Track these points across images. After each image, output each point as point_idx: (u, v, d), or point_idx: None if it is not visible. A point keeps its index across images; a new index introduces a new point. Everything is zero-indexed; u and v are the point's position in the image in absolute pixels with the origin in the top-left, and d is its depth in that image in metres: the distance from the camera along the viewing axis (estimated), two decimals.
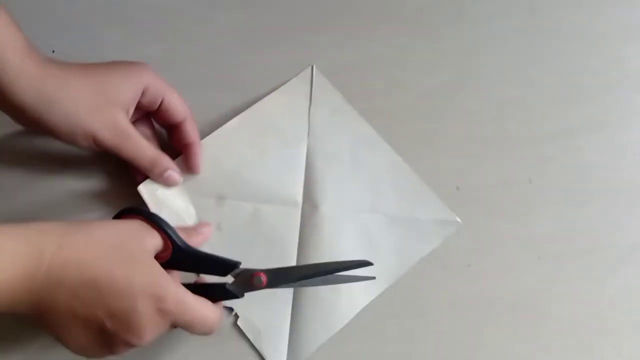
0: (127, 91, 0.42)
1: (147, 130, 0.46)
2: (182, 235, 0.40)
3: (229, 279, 0.40)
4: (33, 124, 0.40)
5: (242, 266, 0.40)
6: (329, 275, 0.40)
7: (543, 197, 0.49)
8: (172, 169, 0.44)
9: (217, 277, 0.40)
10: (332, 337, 0.45)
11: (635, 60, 0.53)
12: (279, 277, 0.40)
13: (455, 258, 0.47)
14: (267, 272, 0.40)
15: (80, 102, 0.40)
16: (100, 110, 0.40)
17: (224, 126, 0.47)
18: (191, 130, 0.45)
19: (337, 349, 0.45)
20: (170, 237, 0.39)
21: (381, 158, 0.49)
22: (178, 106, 0.44)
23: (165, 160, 0.44)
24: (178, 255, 0.39)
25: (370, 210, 0.48)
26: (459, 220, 0.48)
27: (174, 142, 0.46)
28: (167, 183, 0.44)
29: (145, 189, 0.44)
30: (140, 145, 0.42)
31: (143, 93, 0.42)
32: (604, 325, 0.47)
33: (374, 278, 0.41)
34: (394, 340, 0.45)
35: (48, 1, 0.39)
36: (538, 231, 0.48)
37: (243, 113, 0.48)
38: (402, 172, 0.48)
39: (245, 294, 0.40)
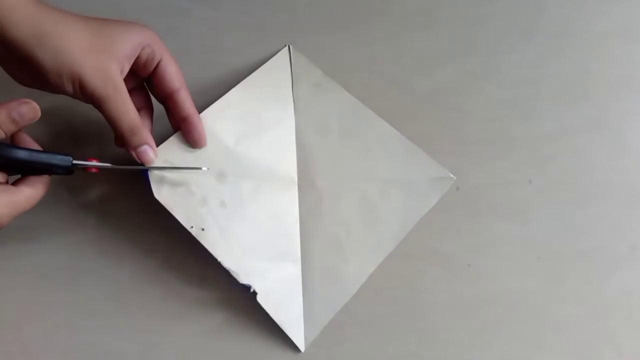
0: (124, 46, 0.40)
1: (139, 101, 0.44)
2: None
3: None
4: (22, 63, 0.38)
5: None
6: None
7: (543, 197, 0.49)
8: (150, 144, 0.42)
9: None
10: (332, 333, 0.45)
11: (635, 60, 0.53)
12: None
13: (455, 258, 0.47)
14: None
15: (74, 43, 0.38)
16: (93, 55, 0.38)
17: (210, 107, 0.46)
18: (187, 101, 0.43)
19: (335, 348, 0.45)
20: None
21: (368, 126, 0.49)
22: (174, 70, 0.43)
23: (146, 133, 0.42)
24: None
25: (365, 178, 0.48)
26: (452, 176, 0.49)
27: (172, 117, 0.44)
28: (140, 158, 0.42)
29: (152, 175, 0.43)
30: (127, 106, 0.40)
31: (141, 50, 0.41)
32: (604, 325, 0.47)
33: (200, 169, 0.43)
34: (393, 340, 0.45)
35: (46, 1, 0.39)
36: (538, 231, 0.48)
37: (227, 94, 0.47)
38: (390, 137, 0.49)
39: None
